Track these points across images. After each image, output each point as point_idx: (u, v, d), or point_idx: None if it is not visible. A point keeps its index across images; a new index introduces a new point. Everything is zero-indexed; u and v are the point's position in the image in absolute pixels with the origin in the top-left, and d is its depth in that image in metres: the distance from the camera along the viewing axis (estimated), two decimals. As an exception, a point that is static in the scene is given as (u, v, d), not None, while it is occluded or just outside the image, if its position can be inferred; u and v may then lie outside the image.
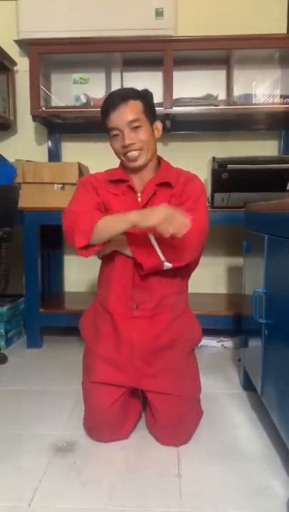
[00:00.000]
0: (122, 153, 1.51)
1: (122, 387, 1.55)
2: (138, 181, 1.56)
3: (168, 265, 1.43)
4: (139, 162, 1.52)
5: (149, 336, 1.53)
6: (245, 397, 1.94)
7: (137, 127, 1.47)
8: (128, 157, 1.51)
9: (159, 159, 1.64)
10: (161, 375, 1.54)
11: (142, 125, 1.48)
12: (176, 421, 1.53)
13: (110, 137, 1.53)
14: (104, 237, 1.42)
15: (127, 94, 1.48)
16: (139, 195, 1.54)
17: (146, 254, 1.44)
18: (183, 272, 1.60)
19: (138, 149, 1.49)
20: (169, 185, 1.54)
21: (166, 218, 1.30)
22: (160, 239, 1.39)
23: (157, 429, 1.58)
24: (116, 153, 1.55)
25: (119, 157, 1.56)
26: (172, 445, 1.55)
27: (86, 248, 1.44)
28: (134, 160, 1.51)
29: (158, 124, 1.56)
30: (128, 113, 1.46)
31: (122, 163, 1.60)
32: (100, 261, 1.67)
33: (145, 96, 1.53)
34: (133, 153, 1.50)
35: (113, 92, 1.56)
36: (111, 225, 1.40)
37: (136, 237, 1.45)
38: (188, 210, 1.39)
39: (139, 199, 1.54)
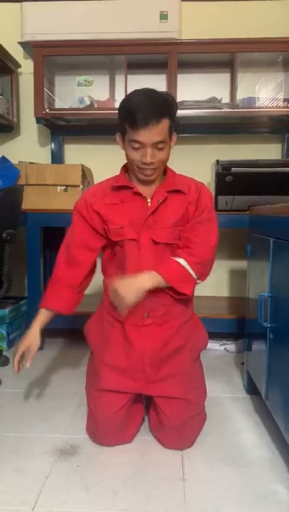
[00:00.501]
0: (139, 166, 1.48)
1: (129, 394, 1.56)
2: (144, 187, 1.55)
3: (199, 282, 1.52)
4: (152, 178, 1.51)
5: (159, 343, 1.55)
6: (249, 401, 1.93)
7: (160, 148, 1.44)
8: (143, 172, 1.49)
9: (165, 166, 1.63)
10: (169, 379, 1.55)
11: (166, 145, 1.46)
12: (182, 425, 1.53)
13: (127, 145, 1.47)
14: None
15: (159, 112, 1.38)
16: (149, 200, 1.53)
17: (182, 281, 1.49)
18: None
19: (155, 169, 1.49)
20: (180, 192, 1.54)
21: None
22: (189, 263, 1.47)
23: (162, 433, 1.57)
24: (131, 161, 1.50)
25: (131, 165, 1.52)
26: (176, 449, 1.55)
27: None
28: (149, 176, 1.50)
29: (174, 137, 1.51)
30: (157, 134, 1.40)
31: (127, 170, 1.60)
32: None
33: (173, 109, 1.47)
34: (149, 173, 1.49)
35: (144, 99, 1.39)
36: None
37: (166, 266, 1.48)
38: (203, 222, 1.51)
39: (149, 204, 1.53)
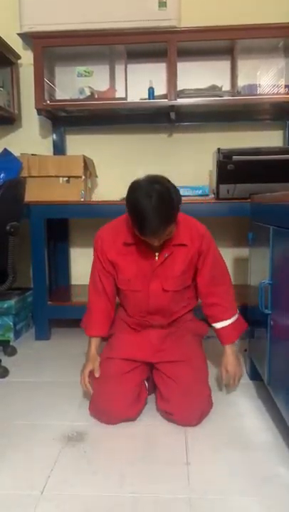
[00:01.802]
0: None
1: (136, 364, 1.73)
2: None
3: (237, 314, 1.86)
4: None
5: (163, 331, 1.81)
6: (252, 386, 1.96)
7: (167, 236, 1.59)
8: (150, 247, 1.65)
9: None
10: (172, 348, 1.76)
11: (172, 232, 1.59)
12: (187, 387, 1.64)
13: (137, 234, 1.56)
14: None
15: (167, 222, 1.49)
16: (156, 254, 1.68)
17: (240, 329, 1.86)
18: (191, 296, 1.87)
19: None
20: (183, 245, 1.70)
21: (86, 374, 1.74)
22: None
23: (171, 403, 1.64)
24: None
25: None
26: (185, 422, 1.62)
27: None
28: (155, 250, 1.68)
29: (179, 210, 1.58)
30: (163, 237, 1.56)
31: None
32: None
33: (177, 212, 1.54)
34: (157, 248, 1.66)
35: (151, 210, 1.44)
36: (88, 345, 1.84)
37: (227, 336, 1.83)
38: (213, 265, 1.77)
39: (157, 258, 1.69)
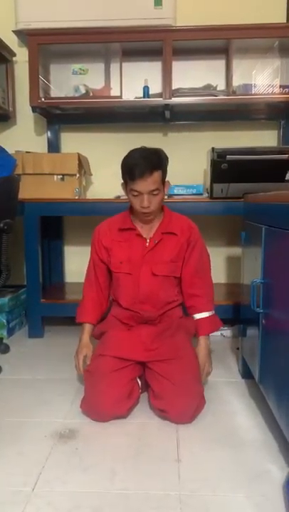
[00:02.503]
0: (139, 211, 1.79)
1: (127, 362, 1.74)
2: (145, 228, 1.87)
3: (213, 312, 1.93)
4: (150, 218, 1.84)
5: (154, 329, 1.85)
6: (244, 384, 1.98)
7: (155, 194, 1.74)
8: (143, 216, 1.81)
9: (162, 206, 1.90)
10: (163, 347, 1.78)
11: (159, 192, 1.76)
12: (180, 382, 1.66)
13: (129, 193, 1.78)
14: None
15: (153, 166, 1.71)
16: (147, 241, 1.85)
17: (215, 324, 1.95)
18: (176, 292, 1.94)
19: (152, 212, 1.79)
20: (173, 234, 1.86)
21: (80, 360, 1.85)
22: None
23: (164, 400, 1.66)
24: (133, 206, 1.81)
25: (134, 210, 1.82)
26: (178, 418, 1.63)
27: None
28: (148, 217, 1.82)
29: (167, 183, 1.83)
30: (151, 184, 1.72)
31: (132, 212, 1.88)
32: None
33: (164, 163, 1.79)
34: (148, 215, 1.80)
35: (139, 157, 1.72)
36: (81, 332, 1.94)
37: (203, 327, 1.92)
38: (198, 268, 1.91)
39: (148, 243, 1.85)
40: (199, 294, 1.91)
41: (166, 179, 1.82)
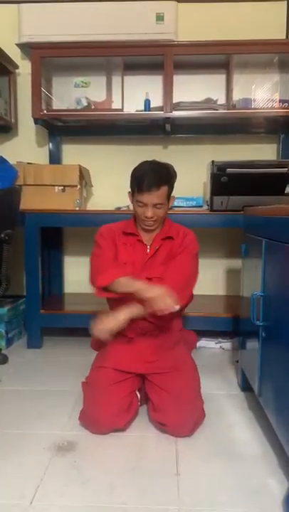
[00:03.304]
0: (142, 219, 1.80)
1: (127, 375, 1.73)
2: (146, 235, 1.87)
3: (176, 307, 1.62)
4: (152, 228, 1.84)
5: (154, 341, 1.82)
6: (243, 397, 1.97)
7: (159, 207, 1.77)
8: (145, 225, 1.82)
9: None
10: (162, 359, 1.77)
11: (163, 205, 1.79)
12: (178, 394, 1.66)
13: (135, 203, 1.80)
14: (115, 290, 1.71)
15: (161, 180, 1.74)
16: (148, 247, 1.85)
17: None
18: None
19: (154, 221, 1.80)
20: (171, 238, 1.86)
21: (159, 297, 1.59)
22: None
23: (162, 412, 1.65)
24: (136, 215, 1.83)
25: (137, 219, 1.85)
26: (178, 432, 1.62)
27: (102, 290, 1.74)
28: (150, 227, 1.83)
29: (172, 198, 1.86)
30: (156, 198, 1.74)
31: (136, 219, 1.87)
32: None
33: (172, 179, 1.83)
34: (150, 224, 1.81)
35: (149, 170, 1.76)
36: (124, 285, 1.69)
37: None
38: (183, 256, 1.81)
39: (148, 250, 1.85)
40: (167, 280, 1.73)
41: (172, 194, 1.84)
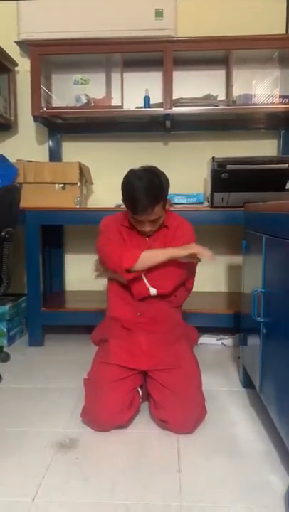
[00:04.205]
0: (139, 229, 1.80)
1: (129, 372, 1.72)
2: None
3: (153, 291, 1.76)
4: (150, 234, 1.83)
5: (153, 336, 1.81)
6: (245, 394, 1.97)
7: (156, 221, 1.76)
8: (143, 233, 1.81)
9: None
10: (163, 355, 1.77)
11: (160, 216, 1.76)
12: (180, 390, 1.66)
13: (129, 215, 1.77)
14: (147, 265, 1.72)
15: (155, 201, 1.68)
16: (147, 239, 1.84)
17: (137, 284, 1.77)
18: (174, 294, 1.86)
19: (152, 230, 1.80)
20: (166, 227, 1.85)
21: (193, 248, 1.71)
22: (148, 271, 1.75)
23: (164, 409, 1.65)
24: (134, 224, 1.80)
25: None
26: (179, 428, 1.63)
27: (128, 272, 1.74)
28: (147, 235, 1.82)
29: (168, 201, 1.81)
30: (152, 215, 1.71)
31: None
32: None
33: (166, 192, 1.76)
34: (148, 233, 1.81)
35: (141, 191, 1.66)
36: (153, 257, 1.72)
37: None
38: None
39: (148, 241, 1.84)
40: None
41: (168, 200, 1.81)
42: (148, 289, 1.76)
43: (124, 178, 1.75)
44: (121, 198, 1.75)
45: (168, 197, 1.79)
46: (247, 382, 1.97)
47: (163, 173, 1.77)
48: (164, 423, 1.66)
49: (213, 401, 1.87)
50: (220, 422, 1.73)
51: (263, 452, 1.52)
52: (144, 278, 1.76)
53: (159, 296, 1.80)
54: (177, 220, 1.89)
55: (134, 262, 1.70)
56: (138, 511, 1.23)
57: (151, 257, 1.72)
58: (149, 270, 1.74)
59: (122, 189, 1.73)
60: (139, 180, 1.68)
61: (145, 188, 1.66)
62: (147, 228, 1.76)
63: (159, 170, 1.77)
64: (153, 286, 1.76)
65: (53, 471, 1.42)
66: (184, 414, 1.63)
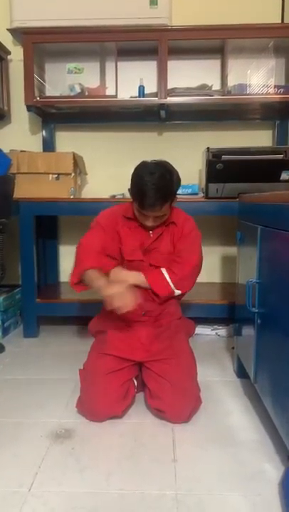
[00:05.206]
0: (142, 223, 1.78)
1: (126, 363, 1.73)
2: None
3: (178, 292, 1.82)
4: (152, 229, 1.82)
5: (153, 330, 1.85)
6: (239, 384, 1.98)
7: (161, 218, 1.76)
8: (145, 226, 1.80)
9: None
10: (160, 347, 1.78)
11: (165, 214, 1.76)
12: (177, 383, 1.66)
13: (135, 208, 1.75)
14: (90, 285, 1.73)
15: (165, 199, 1.66)
16: (151, 232, 1.83)
17: (161, 286, 1.79)
18: None
19: (155, 225, 1.79)
20: (174, 223, 1.85)
21: (117, 295, 1.62)
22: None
23: (160, 399, 1.66)
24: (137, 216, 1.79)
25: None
26: (176, 418, 1.64)
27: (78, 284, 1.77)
28: (149, 229, 1.82)
29: (175, 198, 1.77)
30: (159, 212, 1.71)
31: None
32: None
33: (175, 191, 1.74)
34: (149, 228, 1.80)
35: (152, 187, 1.62)
36: (90, 280, 1.71)
37: (151, 272, 1.81)
38: (187, 247, 1.83)
39: (151, 235, 1.84)
40: (176, 259, 1.83)
41: (175, 197, 1.79)
42: (173, 291, 1.81)
43: (135, 169, 1.71)
44: (127, 188, 1.74)
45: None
46: (241, 373, 1.98)
47: (176, 170, 1.74)
48: (159, 412, 1.66)
49: (208, 391, 1.88)
50: (215, 412, 1.74)
51: (258, 441, 1.54)
52: (168, 279, 1.79)
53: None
54: (181, 215, 1.88)
55: (77, 277, 1.75)
56: (134, 500, 1.24)
57: (93, 279, 1.68)
58: (174, 270, 1.80)
59: (132, 180, 1.71)
60: (151, 176, 1.64)
61: (156, 185, 1.63)
62: (150, 223, 1.75)
63: (172, 166, 1.74)
64: (177, 288, 1.81)
65: (48, 462, 1.42)
66: (179, 403, 1.64)
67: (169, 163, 1.75)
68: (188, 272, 1.82)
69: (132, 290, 1.66)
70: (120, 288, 1.64)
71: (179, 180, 1.75)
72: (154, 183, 1.63)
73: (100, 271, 1.71)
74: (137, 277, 1.78)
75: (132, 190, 1.71)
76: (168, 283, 1.79)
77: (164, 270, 1.80)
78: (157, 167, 1.68)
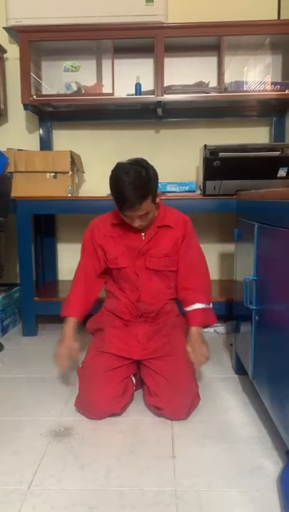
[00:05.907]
0: (130, 224, 1.76)
1: (124, 361, 1.74)
2: None
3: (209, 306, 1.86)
4: (142, 228, 1.79)
5: (151, 329, 1.85)
6: (238, 381, 1.99)
7: (146, 215, 1.71)
8: (134, 227, 1.77)
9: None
10: (158, 345, 1.79)
11: (150, 211, 1.72)
12: (175, 381, 1.67)
13: (119, 212, 1.73)
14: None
15: (143, 197, 1.63)
16: (143, 234, 1.82)
17: (208, 317, 1.85)
18: (172, 285, 1.90)
19: (143, 224, 1.76)
20: (168, 226, 1.83)
21: (61, 356, 1.79)
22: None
23: (158, 396, 1.67)
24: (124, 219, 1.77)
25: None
26: (174, 415, 1.64)
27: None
28: (140, 229, 1.79)
29: (159, 194, 1.78)
30: (141, 210, 1.67)
31: None
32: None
33: (154, 186, 1.71)
34: (139, 228, 1.77)
35: (128, 187, 1.61)
36: (64, 326, 1.86)
37: (196, 317, 1.82)
38: (194, 250, 1.87)
39: (144, 238, 1.82)
40: (192, 287, 1.83)
41: (158, 192, 1.77)
42: (211, 308, 1.87)
43: (111, 173, 1.69)
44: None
45: (158, 190, 1.76)
46: (239, 369, 1.99)
47: (151, 166, 1.71)
48: (158, 410, 1.67)
49: (207, 388, 1.89)
50: (213, 408, 1.75)
51: (256, 437, 1.54)
52: (205, 306, 1.82)
53: (172, 298, 1.91)
54: (179, 218, 1.87)
55: (63, 315, 1.87)
56: (133, 497, 1.25)
57: (64, 327, 1.86)
58: (199, 292, 1.83)
59: (110, 184, 1.68)
60: (127, 175, 1.63)
61: (132, 183, 1.61)
62: (137, 223, 1.72)
63: (147, 163, 1.71)
64: (210, 302, 1.87)
65: (48, 459, 1.43)
66: (178, 401, 1.64)
67: (145, 160, 1.71)
68: (209, 286, 1.90)
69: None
70: (66, 350, 1.77)
71: (156, 175, 1.71)
72: (131, 181, 1.61)
73: (76, 321, 1.86)
74: (200, 335, 1.78)
75: (112, 194, 1.69)
76: (208, 309, 1.85)
77: (198, 305, 1.81)
78: (132, 166, 1.65)
